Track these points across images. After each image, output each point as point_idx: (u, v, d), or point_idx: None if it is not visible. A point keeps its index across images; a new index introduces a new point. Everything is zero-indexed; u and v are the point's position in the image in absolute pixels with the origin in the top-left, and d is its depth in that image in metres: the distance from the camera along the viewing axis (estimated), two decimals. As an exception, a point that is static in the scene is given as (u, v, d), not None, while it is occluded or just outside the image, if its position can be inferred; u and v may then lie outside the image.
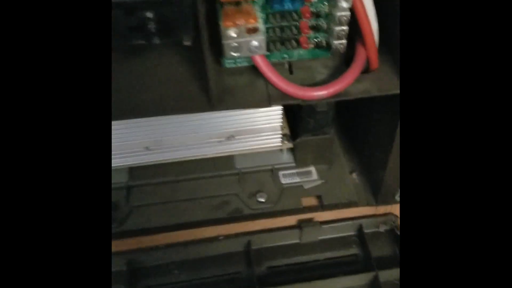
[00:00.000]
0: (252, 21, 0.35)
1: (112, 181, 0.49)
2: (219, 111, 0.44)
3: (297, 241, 0.53)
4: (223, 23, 0.35)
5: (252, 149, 0.50)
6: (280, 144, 0.51)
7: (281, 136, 0.50)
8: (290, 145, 0.51)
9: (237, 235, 0.50)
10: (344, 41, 0.38)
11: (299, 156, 0.53)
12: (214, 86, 0.37)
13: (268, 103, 0.38)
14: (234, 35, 0.36)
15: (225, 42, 0.36)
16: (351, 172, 0.54)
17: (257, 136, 0.49)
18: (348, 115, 0.55)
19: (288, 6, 0.37)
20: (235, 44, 0.36)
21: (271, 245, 0.52)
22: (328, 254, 0.53)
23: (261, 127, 0.48)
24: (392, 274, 0.49)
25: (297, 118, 0.49)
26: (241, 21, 0.35)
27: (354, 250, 0.53)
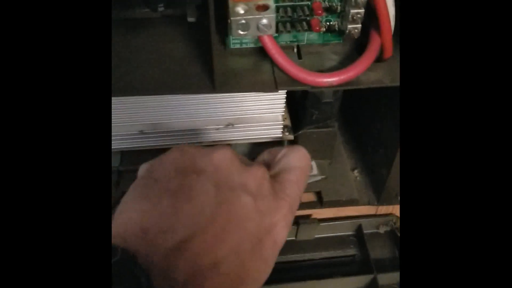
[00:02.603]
0: (263, -4, 0.33)
1: (102, 165, 0.47)
2: (219, 96, 0.42)
3: (292, 238, 0.51)
4: (231, -2, 0.33)
5: (250, 139, 0.48)
6: (281, 135, 0.48)
7: (282, 127, 0.48)
8: (291, 137, 0.48)
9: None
10: (359, 26, 0.36)
11: (300, 150, 0.50)
12: (218, 67, 0.35)
13: (274, 87, 0.36)
14: (242, 11, 0.33)
15: (232, 18, 0.33)
16: (352, 169, 0.51)
17: (257, 126, 0.47)
18: (352, 109, 0.53)
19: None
20: (243, 22, 0.33)
21: (265, 241, 0.50)
22: (325, 254, 0.51)
23: (262, 116, 0.46)
24: (391, 278, 0.47)
25: (300, 109, 0.47)
26: (251, -4, 0.33)
27: (352, 251, 0.51)
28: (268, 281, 0.47)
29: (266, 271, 0.30)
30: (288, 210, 0.31)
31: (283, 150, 0.34)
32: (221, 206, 0.28)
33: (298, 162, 0.33)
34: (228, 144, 0.48)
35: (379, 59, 0.37)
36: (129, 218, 0.27)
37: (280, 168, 0.33)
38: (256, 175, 0.30)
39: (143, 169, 0.30)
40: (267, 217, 0.29)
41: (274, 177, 0.32)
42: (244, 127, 0.47)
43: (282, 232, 0.30)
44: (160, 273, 0.25)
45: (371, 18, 0.36)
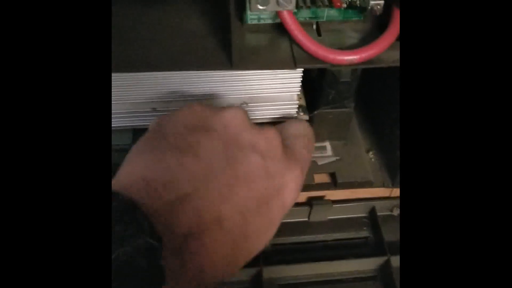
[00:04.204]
0: (284, -31, 0.32)
1: (115, 143, 0.46)
2: (235, 73, 0.41)
3: (305, 219, 0.50)
4: (251, -29, 0.32)
5: (264, 118, 0.47)
6: (296, 115, 0.47)
7: (297, 106, 0.47)
8: (306, 117, 0.47)
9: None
10: (381, 2, 0.34)
11: (315, 130, 0.48)
12: (237, 43, 0.34)
13: (293, 65, 0.35)
14: (262, -15, 0.32)
15: (252, -8, 0.32)
16: (367, 151, 0.51)
17: (271, 105, 0.46)
18: (368, 89, 0.51)
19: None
20: (263, -5, 0.32)
21: (278, 221, 0.50)
22: (337, 235, 0.50)
23: (277, 95, 0.45)
24: (405, 260, 0.47)
25: (316, 89, 0.46)
26: (271, -31, 0.32)
27: (365, 233, 0.50)
28: (280, 262, 0.47)
29: (271, 231, 0.30)
30: (299, 172, 0.31)
31: (285, 123, 0.35)
32: (228, 164, 0.28)
33: (303, 131, 0.34)
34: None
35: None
36: (132, 169, 0.27)
37: (287, 135, 0.33)
38: (268, 136, 0.30)
39: (153, 123, 0.31)
40: (276, 178, 0.29)
41: (282, 143, 0.32)
42: (258, 106, 0.46)
43: (291, 195, 0.30)
44: (161, 224, 0.25)
45: (394, -5, 0.35)
